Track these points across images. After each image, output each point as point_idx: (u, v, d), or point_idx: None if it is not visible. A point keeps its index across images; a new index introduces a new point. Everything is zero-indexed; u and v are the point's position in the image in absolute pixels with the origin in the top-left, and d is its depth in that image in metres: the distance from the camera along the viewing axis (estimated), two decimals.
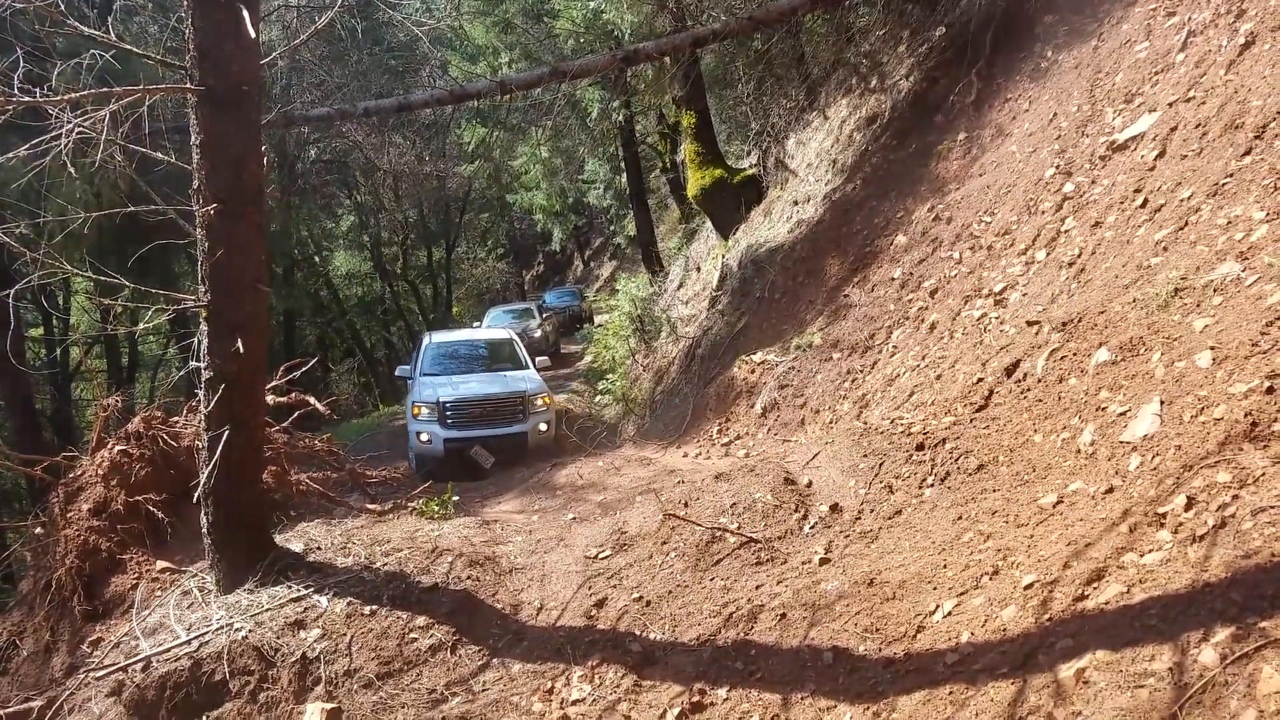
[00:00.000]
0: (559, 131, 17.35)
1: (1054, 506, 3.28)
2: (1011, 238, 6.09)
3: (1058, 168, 6.07)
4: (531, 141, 18.52)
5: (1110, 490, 3.10)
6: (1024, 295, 5.41)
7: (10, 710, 4.74)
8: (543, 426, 9.82)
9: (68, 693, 4.40)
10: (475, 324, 21.52)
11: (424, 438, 9.42)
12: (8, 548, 8.52)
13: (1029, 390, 4.11)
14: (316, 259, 25.74)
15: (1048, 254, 5.51)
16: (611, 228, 32.93)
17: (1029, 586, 2.88)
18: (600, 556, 4.82)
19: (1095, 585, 2.68)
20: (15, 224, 4.19)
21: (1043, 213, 5.88)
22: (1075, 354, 3.98)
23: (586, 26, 12.68)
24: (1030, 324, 4.64)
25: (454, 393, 9.70)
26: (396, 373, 12.11)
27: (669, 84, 12.02)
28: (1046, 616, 2.70)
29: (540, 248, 41.39)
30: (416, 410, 9.60)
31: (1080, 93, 6.50)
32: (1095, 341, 3.89)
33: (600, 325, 18.80)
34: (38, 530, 5.98)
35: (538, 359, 11.46)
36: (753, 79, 11.49)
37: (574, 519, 5.63)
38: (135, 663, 4.22)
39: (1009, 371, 4.36)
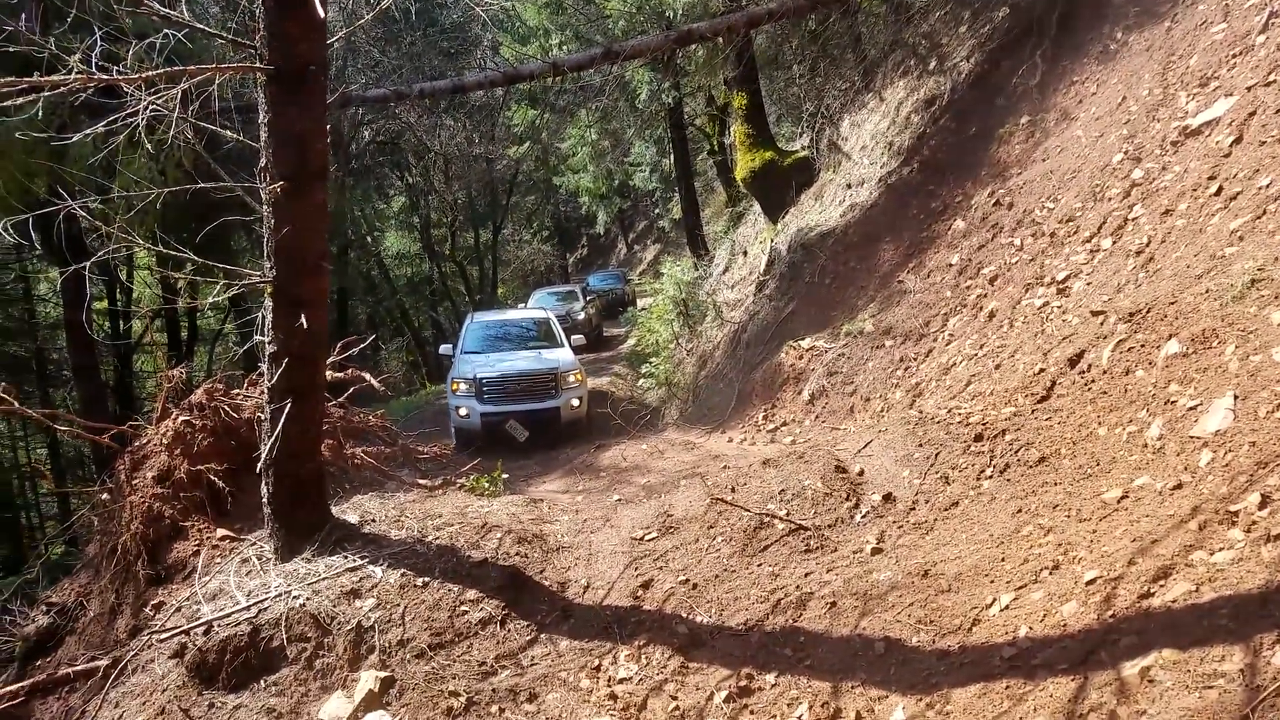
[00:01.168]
0: (607, 113, 17.32)
1: (1119, 501, 3.19)
2: (1076, 225, 5.90)
3: (1126, 153, 5.86)
4: (580, 123, 18.53)
5: (1179, 486, 3.01)
6: (1088, 284, 5.25)
7: (78, 668, 4.96)
8: (575, 402, 10.03)
9: (132, 653, 4.54)
10: (520, 305, 21.71)
11: (462, 412, 9.76)
12: (75, 512, 8.91)
13: (1093, 382, 4.00)
14: (369, 239, 26.20)
15: (1114, 242, 5.33)
16: (656, 211, 32.81)
17: (1091, 582, 2.82)
18: (646, 538, 4.84)
19: (1162, 583, 2.61)
20: (91, 199, 4.34)
21: (1109, 199, 5.68)
22: (1143, 345, 3.85)
23: (638, 7, 12.60)
24: (1095, 314, 4.50)
25: (491, 369, 9.99)
26: (440, 350, 12.41)
27: (721, 65, 11.90)
28: (1109, 613, 2.64)
29: (585, 230, 41.48)
30: (455, 386, 9.94)
31: (1151, 76, 6.25)
32: (1165, 333, 3.76)
33: (644, 309, 18.78)
34: (104, 496, 6.20)
35: (573, 337, 11.66)
36: (807, 60, 11.32)
37: (619, 500, 5.67)
38: (197, 626, 4.34)
39: (1072, 362, 4.24)
